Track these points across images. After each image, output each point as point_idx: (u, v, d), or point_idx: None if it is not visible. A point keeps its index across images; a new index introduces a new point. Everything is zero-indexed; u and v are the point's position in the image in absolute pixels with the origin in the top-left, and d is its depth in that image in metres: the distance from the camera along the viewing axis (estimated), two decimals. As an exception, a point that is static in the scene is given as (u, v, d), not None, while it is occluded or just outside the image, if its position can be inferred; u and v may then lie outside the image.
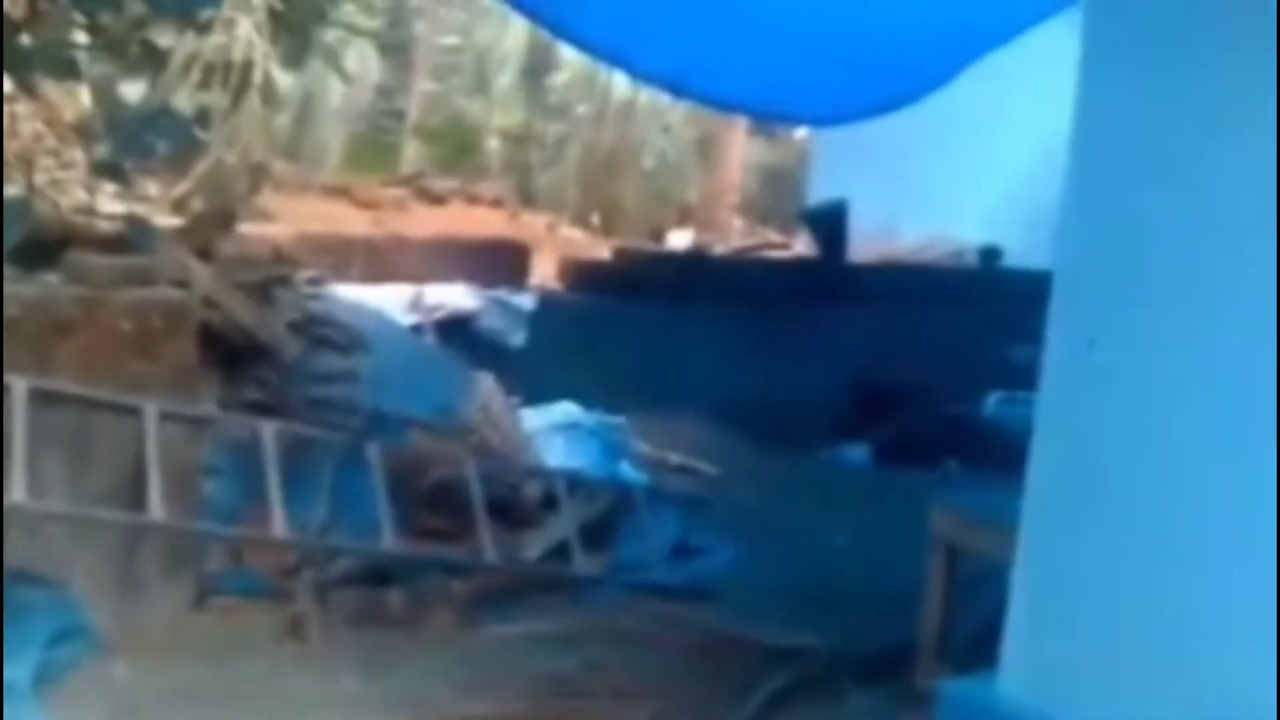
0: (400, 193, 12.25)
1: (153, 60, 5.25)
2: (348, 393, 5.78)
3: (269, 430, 4.58)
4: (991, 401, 8.81)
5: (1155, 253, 3.03)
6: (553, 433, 6.22)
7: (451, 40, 16.39)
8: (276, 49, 6.69)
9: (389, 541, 4.75)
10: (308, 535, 4.67)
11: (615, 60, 7.21)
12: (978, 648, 3.67)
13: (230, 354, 5.23)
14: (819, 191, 13.25)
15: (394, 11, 16.05)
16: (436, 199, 12.87)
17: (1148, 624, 2.97)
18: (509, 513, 5.48)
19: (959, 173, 11.54)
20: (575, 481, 5.75)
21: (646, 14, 5.21)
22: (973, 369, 9.38)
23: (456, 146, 14.56)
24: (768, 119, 8.95)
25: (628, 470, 6.43)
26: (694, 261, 9.00)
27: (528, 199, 15.15)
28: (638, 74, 7.93)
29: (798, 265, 8.88)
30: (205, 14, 6.00)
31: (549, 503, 5.60)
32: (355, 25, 11.90)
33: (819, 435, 8.54)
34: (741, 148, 13.89)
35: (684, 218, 14.52)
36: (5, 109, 5.46)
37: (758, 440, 7.96)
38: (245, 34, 6.85)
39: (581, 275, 8.45)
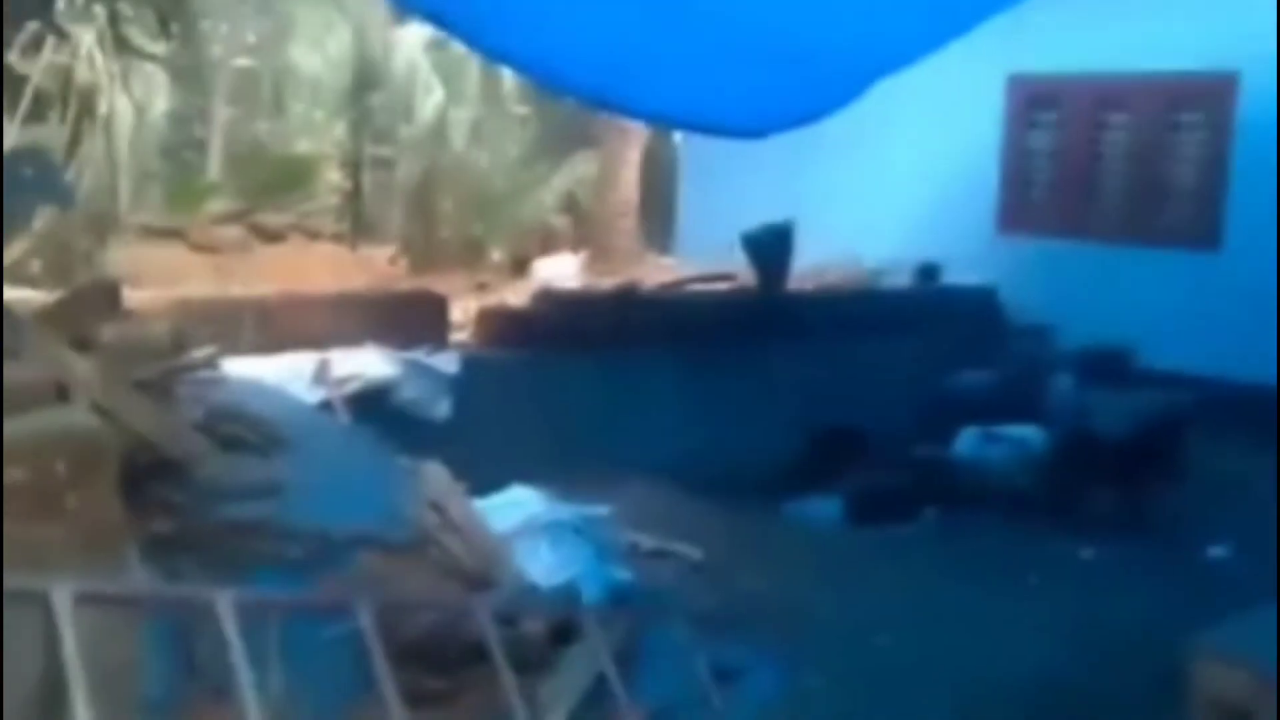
0: (236, 232, 10.70)
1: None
2: (273, 509, 4.42)
3: (224, 602, 3.20)
4: (964, 440, 7.83)
5: None
6: (531, 534, 4.93)
7: (245, 62, 14.82)
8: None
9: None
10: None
11: (533, 73, 6.65)
12: None
13: (131, 476, 3.82)
14: (692, 211, 12.26)
15: (184, 33, 14.36)
16: (273, 236, 11.36)
17: None
18: (512, 655, 4.17)
19: (832, 188, 10.75)
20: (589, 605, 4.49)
21: (565, 25, 4.91)
22: (925, 401, 8.45)
23: (281, 175, 12.99)
24: (693, 131, 8.06)
25: (623, 574, 5.19)
26: (624, 301, 7.81)
27: (363, 231, 13.74)
28: (557, 87, 7.04)
29: (736, 298, 7.81)
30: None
31: (561, 635, 4.34)
32: (141, 49, 10.44)
33: (776, 488, 7.46)
34: (636, 167, 12.70)
35: (548, 244, 13.29)
36: None
37: (712, 499, 6.89)
38: (87, 51, 5.36)
39: (502, 326, 7.19)
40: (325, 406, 5.74)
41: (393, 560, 4.55)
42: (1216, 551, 6.83)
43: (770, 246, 7.90)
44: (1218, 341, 9.22)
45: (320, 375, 5.75)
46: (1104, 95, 9.98)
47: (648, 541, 6.00)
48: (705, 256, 10.14)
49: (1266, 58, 9.01)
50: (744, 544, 6.43)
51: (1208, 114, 9.55)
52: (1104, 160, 10.04)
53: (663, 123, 8.74)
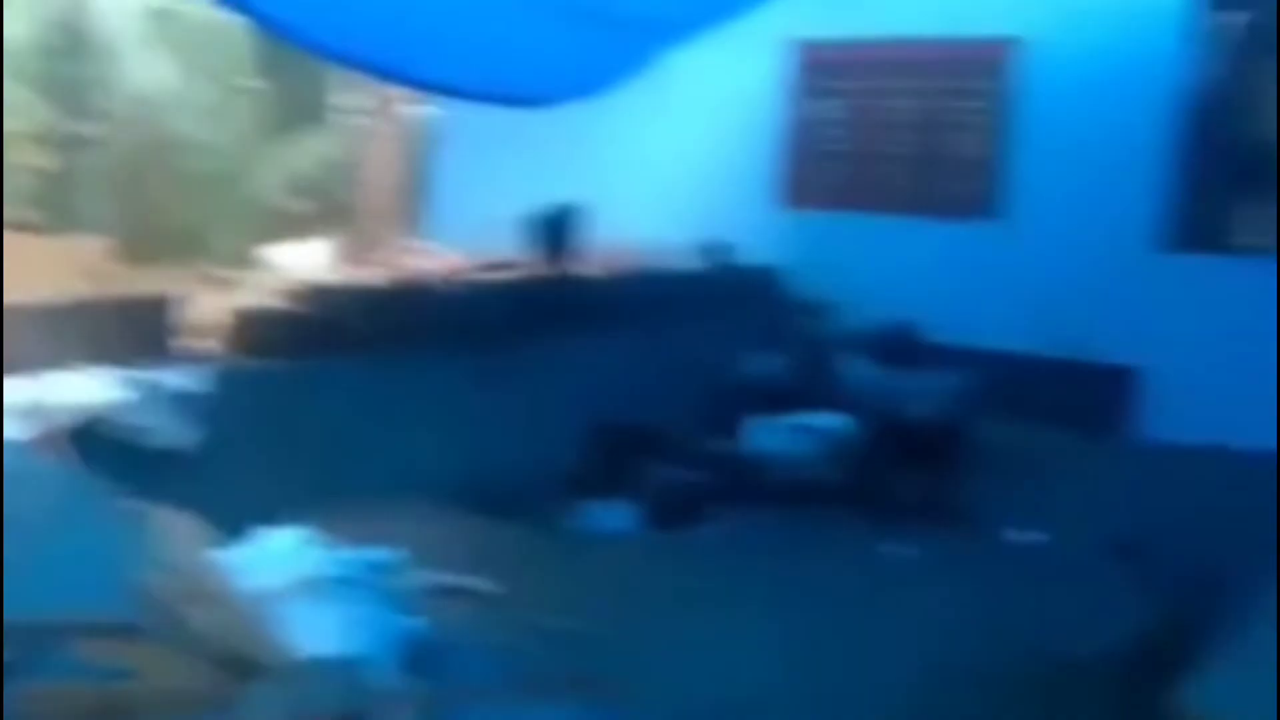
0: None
1: None
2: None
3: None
4: (762, 431, 7.31)
5: None
6: (302, 591, 4.10)
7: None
8: None
9: None
10: None
11: (309, 42, 6.02)
12: None
13: None
14: (447, 193, 11.48)
15: None
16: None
17: None
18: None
19: (607, 165, 10.18)
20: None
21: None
22: (715, 391, 7.93)
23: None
24: (478, 100, 7.33)
25: (414, 623, 4.43)
26: (404, 296, 6.99)
27: (63, 218, 12.26)
28: (335, 56, 6.36)
29: (524, 287, 7.07)
30: None
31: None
32: None
33: (565, 498, 6.82)
34: (393, 145, 11.66)
35: (283, 230, 12.14)
36: None
37: (501, 517, 6.21)
38: None
39: (259, 330, 6.25)
40: (36, 445, 4.75)
41: (120, 647, 3.66)
42: (1027, 536, 6.52)
43: (558, 229, 7.19)
44: (1003, 315, 9.01)
45: (34, 407, 4.76)
46: (887, 63, 9.65)
47: (436, 578, 5.24)
48: (462, 241, 9.41)
49: (1047, 23, 8.82)
50: (541, 567, 5.73)
51: (989, 81, 9.30)
52: (888, 130, 9.71)
53: (446, 92, 8.00)
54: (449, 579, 5.24)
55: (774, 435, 7.25)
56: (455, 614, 4.95)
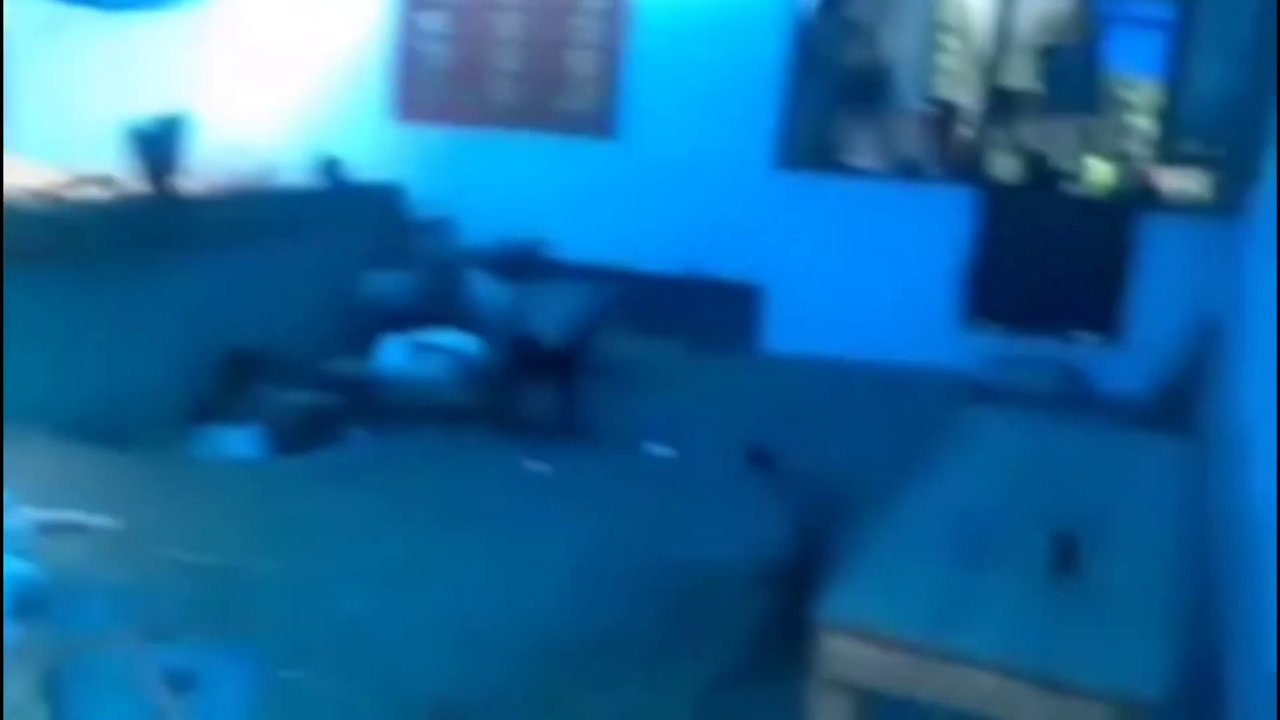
0: None
1: None
2: None
3: None
4: (389, 351, 7.14)
5: None
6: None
7: None
8: None
9: None
10: None
11: None
12: None
13: None
14: (34, 98, 10.57)
15: None
16: None
17: None
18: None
19: (204, 73, 9.64)
20: None
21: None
22: (339, 310, 7.71)
23: None
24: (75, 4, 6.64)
25: (29, 569, 4.07)
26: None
27: None
28: None
29: (123, 205, 6.52)
30: None
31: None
32: None
33: (187, 424, 6.46)
34: None
35: None
36: None
37: (117, 448, 5.81)
38: None
39: None
40: None
41: None
42: (662, 449, 6.65)
43: (160, 142, 6.69)
44: (627, 233, 9.12)
45: None
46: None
47: (50, 516, 4.83)
48: (54, 153, 8.68)
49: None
50: (163, 499, 5.39)
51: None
52: (497, 46, 9.56)
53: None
54: (64, 516, 4.86)
55: (402, 355, 7.10)
56: (72, 554, 4.59)
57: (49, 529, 4.75)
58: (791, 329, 9.00)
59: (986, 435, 4.32)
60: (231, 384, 6.80)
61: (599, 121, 9.40)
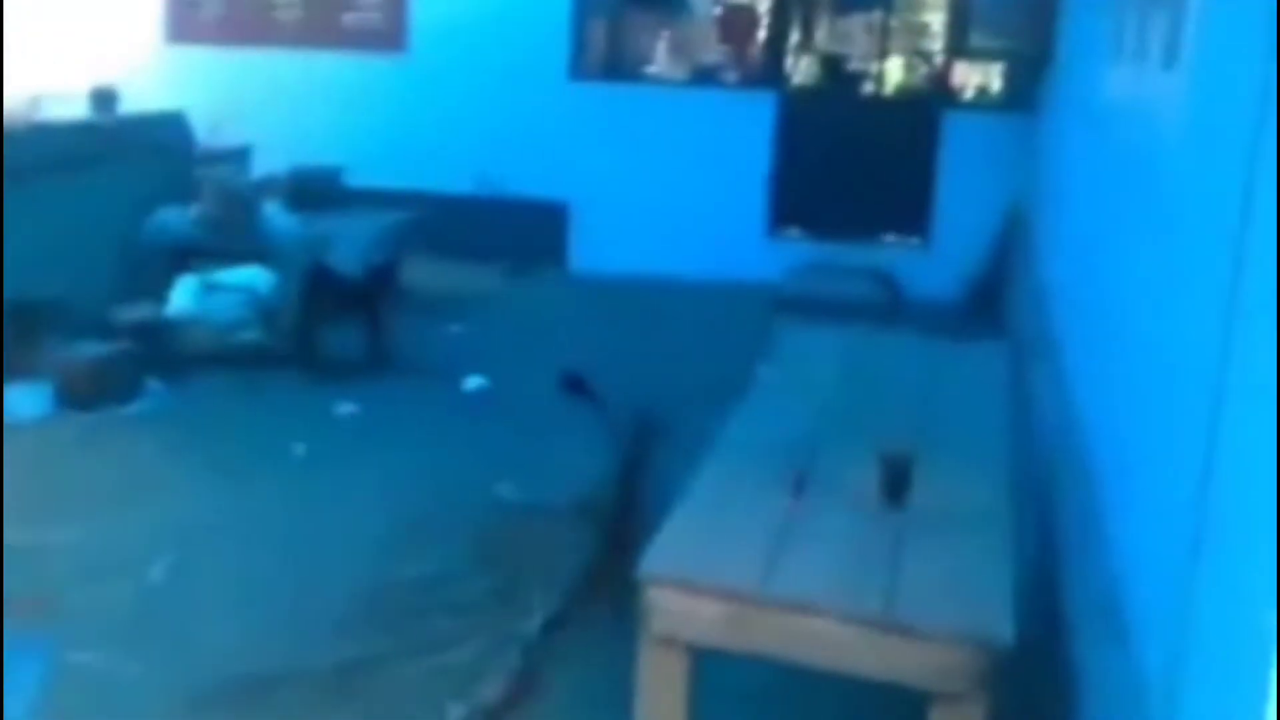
0: None
1: None
2: None
3: None
4: (182, 292, 6.75)
5: None
6: None
7: None
8: None
9: None
10: None
11: None
12: None
13: None
14: None
15: None
16: None
17: None
18: None
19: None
20: None
21: None
22: (123, 252, 7.24)
23: None
24: None
25: None
26: None
27: None
28: None
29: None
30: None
31: None
32: None
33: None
34: None
35: None
36: None
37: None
38: None
39: None
40: None
41: None
42: (474, 382, 6.45)
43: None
44: (416, 153, 8.83)
45: None
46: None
47: None
48: None
49: None
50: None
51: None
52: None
53: None
54: None
55: (195, 296, 6.73)
56: None
57: None
58: (597, 247, 8.86)
59: (803, 354, 4.23)
60: (13, 338, 6.35)
61: (388, 36, 9.04)
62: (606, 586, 3.69)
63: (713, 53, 9.72)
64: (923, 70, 9.65)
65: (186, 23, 9.24)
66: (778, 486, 2.98)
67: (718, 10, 9.96)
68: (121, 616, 3.84)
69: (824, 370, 4.03)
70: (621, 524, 3.93)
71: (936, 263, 8.56)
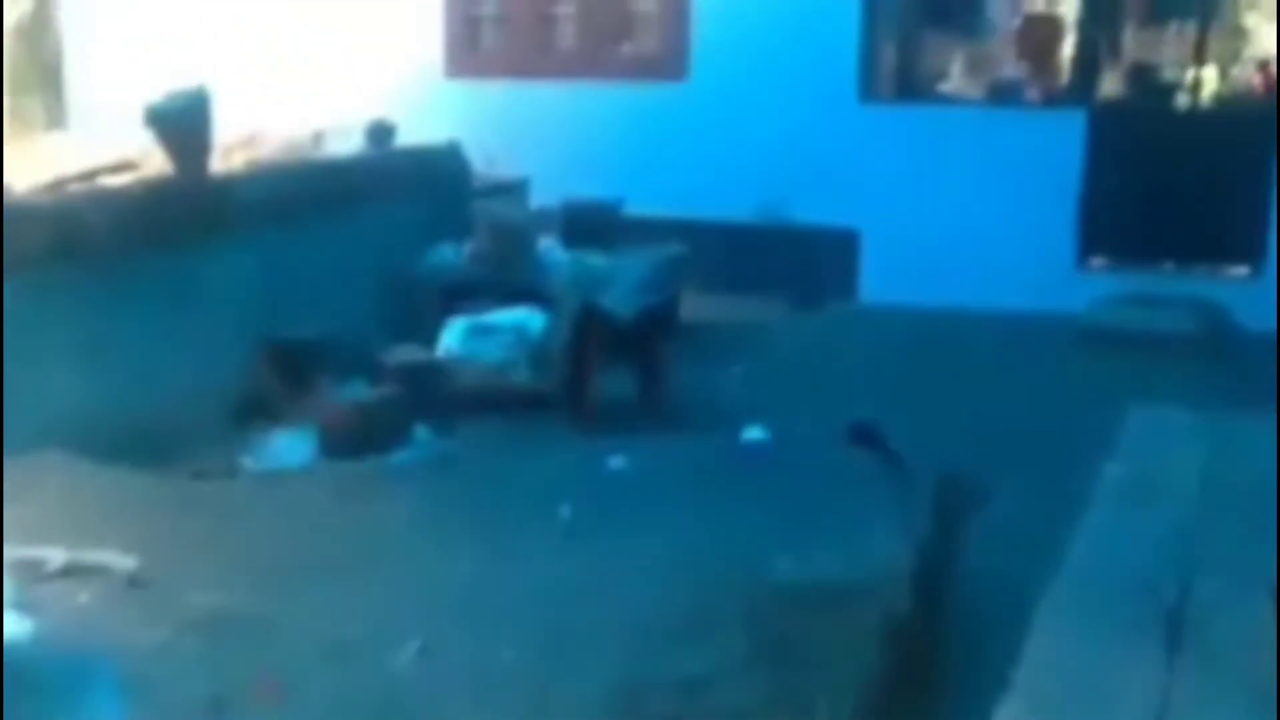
0: None
1: None
2: None
3: None
4: (453, 333, 6.53)
5: None
6: None
7: None
8: None
9: None
10: None
11: None
12: None
13: None
14: (81, 76, 10.13)
15: None
16: None
17: None
18: None
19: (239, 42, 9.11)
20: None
21: None
22: (395, 291, 7.10)
23: None
24: None
25: (22, 626, 3.52)
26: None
27: None
28: None
29: (146, 191, 5.96)
30: None
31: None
32: None
33: (229, 432, 5.92)
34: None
35: None
36: None
37: (144, 465, 5.26)
38: None
39: None
40: None
41: None
42: (753, 434, 5.93)
43: (184, 120, 6.08)
44: (698, 182, 8.46)
45: None
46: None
47: (57, 556, 4.28)
48: (106, 131, 8.18)
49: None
50: (198, 523, 4.82)
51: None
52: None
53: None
54: (79, 555, 4.30)
55: (464, 338, 6.49)
56: (84, 604, 4.03)
57: (56, 572, 4.20)
58: (890, 277, 8.31)
59: (1159, 448, 3.48)
60: (281, 381, 6.23)
61: (669, 64, 8.74)
62: (907, 699, 3.13)
63: (1011, 68, 9.09)
64: (1243, 78, 8.85)
65: (466, 57, 9.16)
66: (1144, 637, 2.32)
67: (1017, 23, 9.34)
68: (360, 705, 3.49)
69: (1185, 475, 3.29)
70: (925, 616, 3.36)
71: (1269, 293, 7.66)
